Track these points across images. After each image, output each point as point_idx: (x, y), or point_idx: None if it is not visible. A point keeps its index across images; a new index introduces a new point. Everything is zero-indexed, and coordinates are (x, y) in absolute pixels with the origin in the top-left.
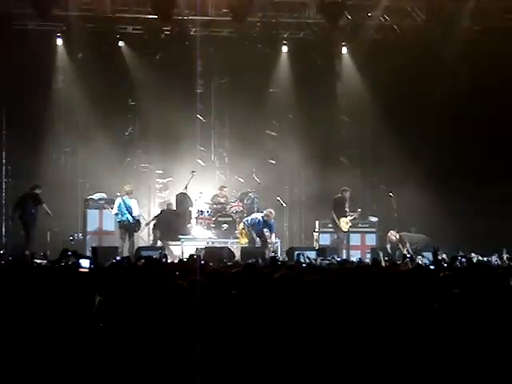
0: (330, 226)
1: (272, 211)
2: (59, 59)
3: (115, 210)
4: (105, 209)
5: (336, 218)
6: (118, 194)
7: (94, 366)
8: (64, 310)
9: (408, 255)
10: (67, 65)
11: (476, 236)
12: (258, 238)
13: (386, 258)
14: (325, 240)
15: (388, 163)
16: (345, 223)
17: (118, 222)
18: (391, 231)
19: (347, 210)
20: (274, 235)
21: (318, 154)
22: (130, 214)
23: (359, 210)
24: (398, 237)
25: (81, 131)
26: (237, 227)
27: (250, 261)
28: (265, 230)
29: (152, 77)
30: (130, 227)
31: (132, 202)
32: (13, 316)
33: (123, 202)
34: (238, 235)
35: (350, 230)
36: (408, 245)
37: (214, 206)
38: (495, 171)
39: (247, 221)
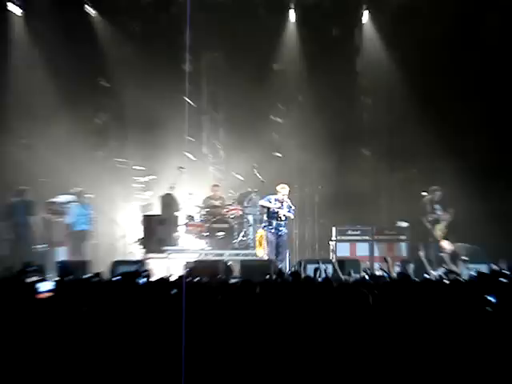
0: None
1: (283, 186)
2: (14, 30)
3: (72, 217)
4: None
5: (430, 225)
6: (72, 197)
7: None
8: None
9: (455, 269)
10: (24, 37)
11: None
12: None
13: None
14: (343, 251)
15: (420, 156)
16: (440, 232)
17: (75, 231)
18: (445, 240)
19: (439, 213)
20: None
21: (333, 145)
22: (87, 221)
23: (450, 211)
24: (451, 247)
25: (41, 118)
26: (235, 235)
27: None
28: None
29: (129, 51)
30: (84, 237)
31: (86, 206)
32: None
33: (80, 207)
34: (257, 244)
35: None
36: (461, 258)
37: (207, 209)
38: None
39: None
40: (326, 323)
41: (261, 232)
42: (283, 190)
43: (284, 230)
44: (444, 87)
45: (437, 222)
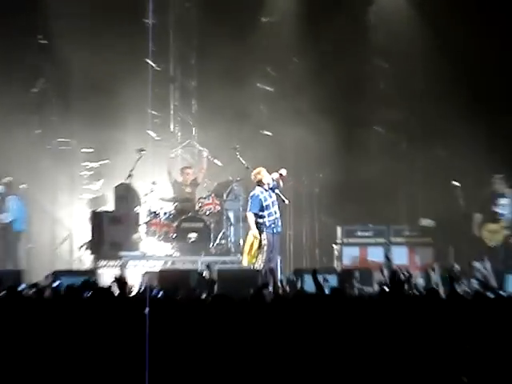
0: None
1: (259, 171)
2: None
3: (11, 215)
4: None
5: (477, 225)
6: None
7: None
8: None
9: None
10: None
11: None
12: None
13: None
14: (351, 257)
15: (450, 136)
16: (491, 232)
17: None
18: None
19: (499, 211)
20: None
21: (339, 121)
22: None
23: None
24: None
25: None
26: (212, 237)
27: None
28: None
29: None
30: (18, 240)
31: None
32: None
33: (17, 201)
34: (246, 251)
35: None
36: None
37: (176, 203)
38: None
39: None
40: (336, 356)
41: (254, 234)
42: (258, 176)
43: (278, 230)
44: (483, 47)
45: (496, 220)
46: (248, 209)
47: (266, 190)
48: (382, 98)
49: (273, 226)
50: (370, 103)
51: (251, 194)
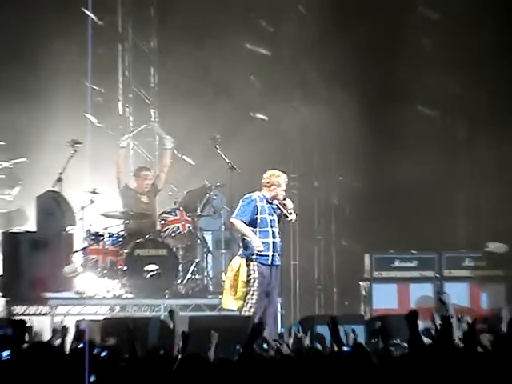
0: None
1: (277, 174)
2: None
3: None
4: None
5: None
6: None
7: None
8: None
9: None
10: None
11: None
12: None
13: None
14: (386, 299)
15: None
16: None
17: None
18: None
19: None
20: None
21: (365, 98)
22: None
23: None
24: None
25: None
26: (181, 271)
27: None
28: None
29: None
30: None
31: None
32: None
33: None
34: (226, 289)
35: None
36: None
37: (127, 221)
38: None
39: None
40: None
41: (238, 261)
42: (276, 178)
43: (278, 260)
44: None
45: None
46: (235, 213)
47: (268, 203)
48: (429, 62)
49: (267, 253)
50: (411, 70)
51: (246, 196)
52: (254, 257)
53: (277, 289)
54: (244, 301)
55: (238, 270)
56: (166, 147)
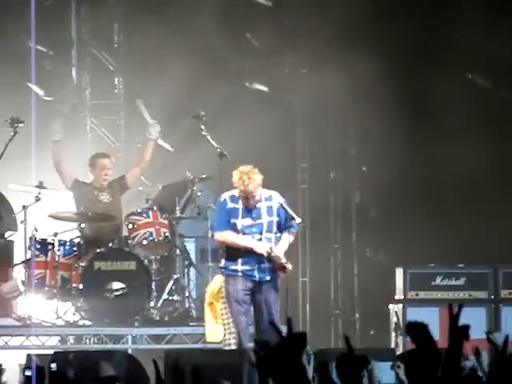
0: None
1: (251, 171)
2: None
3: None
4: None
5: None
6: None
7: None
8: None
9: None
10: None
11: None
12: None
13: None
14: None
15: None
16: None
17: None
18: None
19: None
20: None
21: (396, 62)
22: None
23: None
24: None
25: None
26: (153, 289)
27: None
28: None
29: None
30: None
31: None
32: None
33: None
34: (207, 312)
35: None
36: None
37: (83, 225)
38: None
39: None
40: None
41: (219, 280)
42: (249, 180)
43: (268, 273)
44: None
45: None
46: (215, 225)
47: (242, 203)
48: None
49: (248, 267)
50: (456, 26)
51: (219, 198)
52: (227, 272)
53: (272, 313)
54: (224, 328)
55: (218, 292)
56: (151, 136)
